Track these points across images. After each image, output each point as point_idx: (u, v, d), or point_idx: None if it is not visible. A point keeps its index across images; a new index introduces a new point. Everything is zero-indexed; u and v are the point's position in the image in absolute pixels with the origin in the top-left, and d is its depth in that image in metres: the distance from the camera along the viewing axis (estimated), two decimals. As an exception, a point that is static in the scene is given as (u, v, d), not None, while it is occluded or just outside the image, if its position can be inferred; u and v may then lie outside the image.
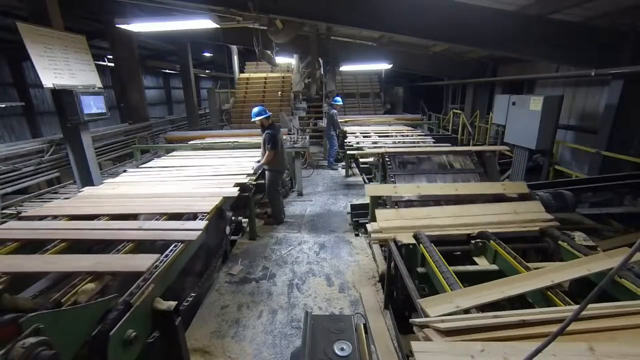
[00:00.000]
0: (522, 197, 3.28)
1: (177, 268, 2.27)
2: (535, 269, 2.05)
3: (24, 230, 2.53)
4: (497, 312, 1.60)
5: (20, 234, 2.46)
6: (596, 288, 0.88)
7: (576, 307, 1.57)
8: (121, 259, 2.12)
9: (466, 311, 1.68)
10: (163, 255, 2.14)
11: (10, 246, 2.30)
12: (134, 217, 2.87)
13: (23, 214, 3.00)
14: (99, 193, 3.56)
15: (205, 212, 2.85)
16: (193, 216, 2.88)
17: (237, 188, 3.55)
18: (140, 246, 2.40)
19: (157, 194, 3.43)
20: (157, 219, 2.78)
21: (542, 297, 1.88)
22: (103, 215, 2.83)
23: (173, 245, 2.29)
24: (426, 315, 1.63)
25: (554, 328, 1.35)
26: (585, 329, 1.51)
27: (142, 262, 1.99)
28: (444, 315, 1.60)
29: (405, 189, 3.45)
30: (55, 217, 2.82)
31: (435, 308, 1.66)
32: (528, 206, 3.03)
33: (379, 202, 3.72)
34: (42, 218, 2.82)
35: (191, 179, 3.99)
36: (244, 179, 3.89)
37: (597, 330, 1.51)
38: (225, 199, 3.31)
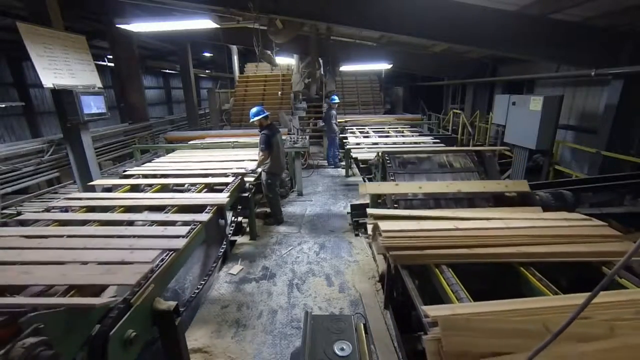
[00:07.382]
0: (522, 197, 3.28)
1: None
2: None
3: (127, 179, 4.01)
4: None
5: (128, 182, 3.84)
6: (596, 288, 0.89)
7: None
8: (215, 178, 3.90)
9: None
10: (237, 178, 3.92)
11: (125, 188, 3.69)
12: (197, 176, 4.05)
13: (126, 172, 4.28)
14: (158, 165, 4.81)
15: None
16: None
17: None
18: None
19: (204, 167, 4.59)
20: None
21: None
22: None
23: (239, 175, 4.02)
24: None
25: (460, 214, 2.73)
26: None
27: (227, 179, 3.81)
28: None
29: (406, 187, 3.45)
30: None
31: (383, 223, 2.52)
32: (528, 211, 3.02)
33: (378, 201, 3.73)
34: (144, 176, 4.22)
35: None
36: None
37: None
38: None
